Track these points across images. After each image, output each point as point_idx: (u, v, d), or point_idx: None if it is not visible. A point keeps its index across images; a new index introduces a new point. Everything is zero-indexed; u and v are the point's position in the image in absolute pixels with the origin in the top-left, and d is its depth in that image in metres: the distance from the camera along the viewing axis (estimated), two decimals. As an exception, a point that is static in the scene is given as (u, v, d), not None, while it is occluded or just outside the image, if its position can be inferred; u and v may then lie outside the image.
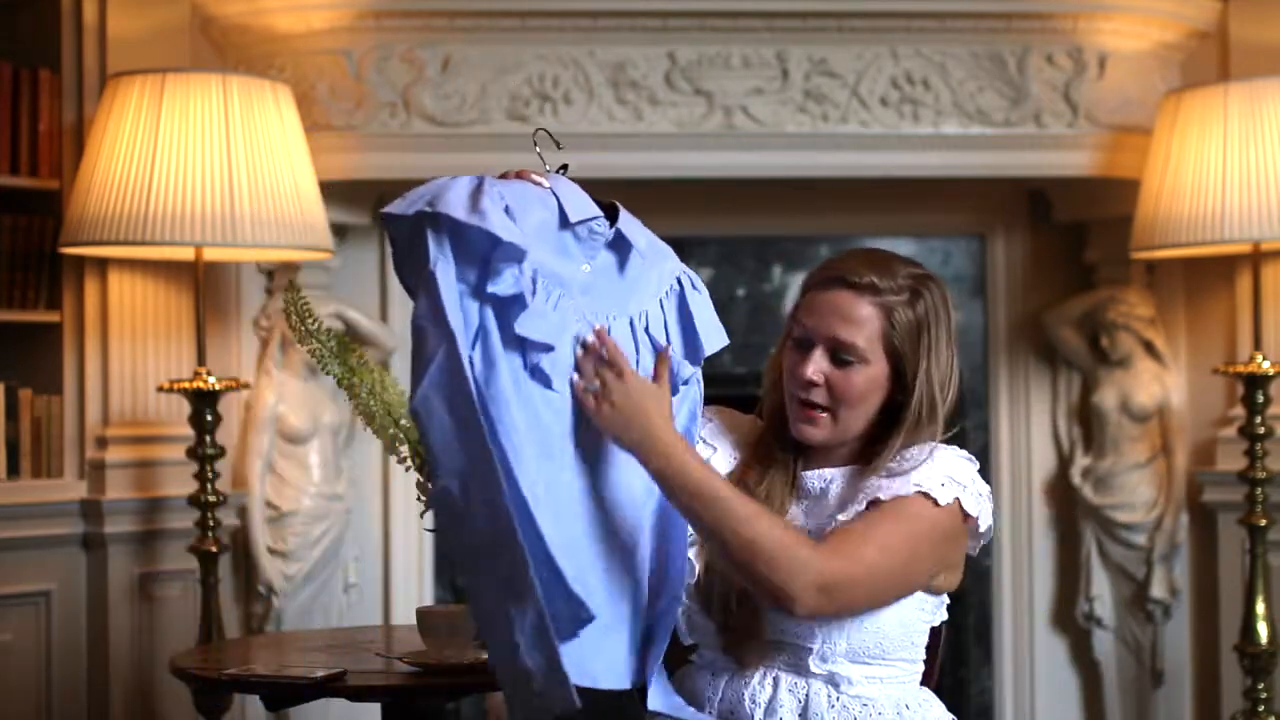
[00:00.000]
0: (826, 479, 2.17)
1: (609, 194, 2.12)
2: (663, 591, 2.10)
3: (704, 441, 2.24)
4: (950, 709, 2.22)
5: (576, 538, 1.99)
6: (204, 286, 3.65)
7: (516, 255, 1.94)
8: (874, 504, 2.07)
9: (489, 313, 1.94)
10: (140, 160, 3.45)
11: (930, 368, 2.13)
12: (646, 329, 2.11)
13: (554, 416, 1.99)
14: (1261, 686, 3.83)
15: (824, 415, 2.14)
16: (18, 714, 3.66)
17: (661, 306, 2.13)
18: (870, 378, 2.12)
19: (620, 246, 2.09)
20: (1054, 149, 3.99)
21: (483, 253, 1.93)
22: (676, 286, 2.16)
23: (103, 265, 3.75)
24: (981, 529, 2.14)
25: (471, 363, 1.91)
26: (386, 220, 1.96)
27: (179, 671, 2.77)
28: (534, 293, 1.96)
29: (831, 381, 2.12)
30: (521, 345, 1.96)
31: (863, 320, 2.11)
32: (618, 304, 2.09)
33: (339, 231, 3.97)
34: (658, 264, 2.15)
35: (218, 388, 3.57)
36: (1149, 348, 4.22)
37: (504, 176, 2.04)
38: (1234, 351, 4.10)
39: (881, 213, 4.32)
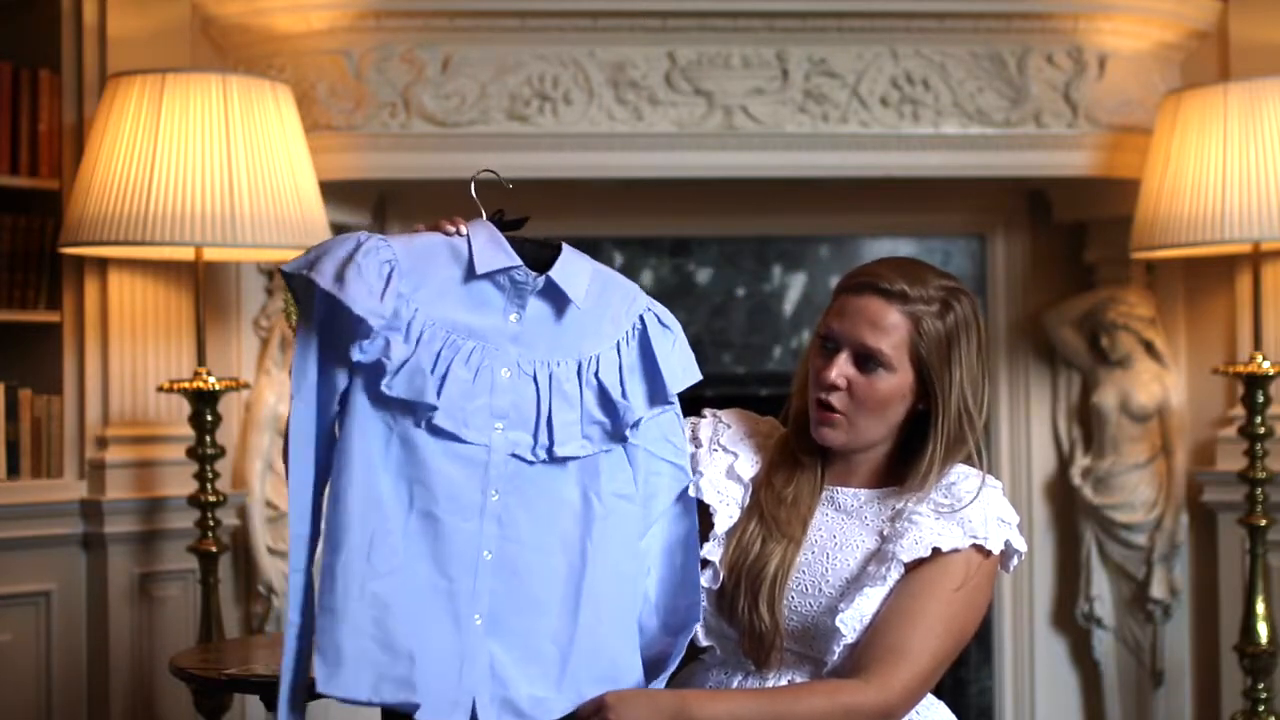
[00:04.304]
0: (861, 499, 2.18)
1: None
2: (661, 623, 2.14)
3: (723, 449, 2.24)
4: (950, 709, 2.22)
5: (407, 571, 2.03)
6: (204, 286, 3.65)
7: (365, 331, 1.96)
8: (936, 552, 2.07)
9: (356, 379, 1.99)
10: (140, 160, 3.45)
11: (960, 380, 2.12)
12: (596, 373, 2.08)
13: (467, 468, 2.01)
14: (1261, 686, 3.83)
15: (841, 418, 2.14)
16: (18, 714, 3.66)
17: (618, 349, 2.11)
18: (894, 386, 2.13)
19: (554, 294, 2.06)
20: (1054, 149, 3.99)
21: (353, 318, 1.97)
22: (639, 325, 2.13)
23: (103, 265, 3.75)
24: (1015, 563, 2.18)
25: (322, 422, 2.01)
26: (284, 276, 2.02)
27: (179, 671, 2.77)
28: (414, 352, 1.98)
29: (854, 386, 2.13)
30: (411, 406, 1.99)
31: (890, 328, 2.11)
32: (560, 350, 2.07)
33: (339, 231, 3.97)
34: (611, 307, 2.11)
35: (218, 388, 3.57)
36: (1149, 348, 4.22)
37: (417, 229, 2.06)
38: (1234, 351, 4.10)
39: (881, 213, 4.32)
